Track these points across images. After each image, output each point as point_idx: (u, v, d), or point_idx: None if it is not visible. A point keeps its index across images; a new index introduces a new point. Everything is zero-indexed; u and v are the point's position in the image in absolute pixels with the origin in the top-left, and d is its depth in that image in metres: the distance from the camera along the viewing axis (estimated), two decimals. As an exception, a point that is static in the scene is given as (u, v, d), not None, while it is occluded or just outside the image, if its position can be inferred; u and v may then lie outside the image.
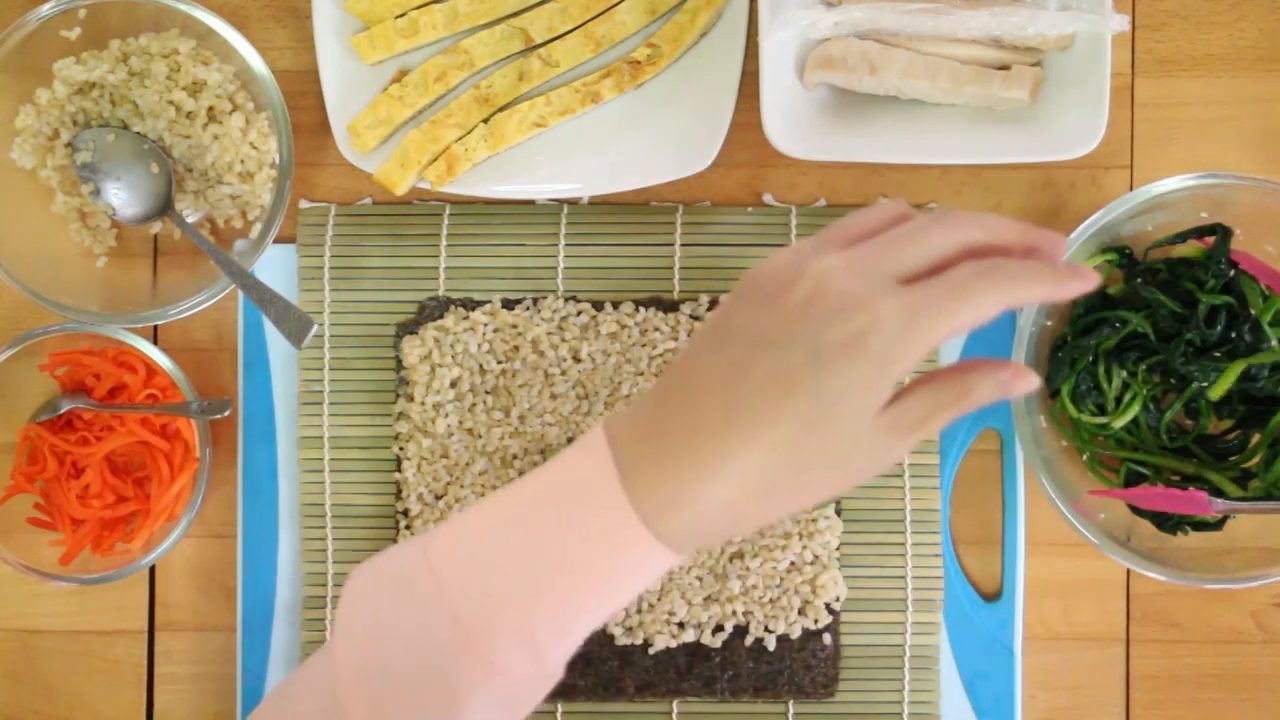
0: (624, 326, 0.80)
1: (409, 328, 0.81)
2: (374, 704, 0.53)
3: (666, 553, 0.51)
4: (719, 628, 0.79)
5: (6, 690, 0.82)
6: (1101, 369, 0.76)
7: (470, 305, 0.81)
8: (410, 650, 0.52)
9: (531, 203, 0.81)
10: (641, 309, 0.81)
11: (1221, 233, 0.74)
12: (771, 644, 0.79)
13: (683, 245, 0.81)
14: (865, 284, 0.48)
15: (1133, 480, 0.76)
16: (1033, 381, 0.51)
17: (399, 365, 0.81)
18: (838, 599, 0.80)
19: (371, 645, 0.53)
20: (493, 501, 0.54)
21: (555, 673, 0.55)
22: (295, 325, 0.76)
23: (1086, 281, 0.51)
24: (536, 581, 0.51)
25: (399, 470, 0.80)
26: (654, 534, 0.50)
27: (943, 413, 0.50)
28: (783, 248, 0.53)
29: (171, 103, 0.77)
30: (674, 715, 0.80)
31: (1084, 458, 0.78)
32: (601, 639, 0.79)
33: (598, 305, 0.81)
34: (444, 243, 0.81)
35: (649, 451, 0.50)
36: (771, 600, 0.79)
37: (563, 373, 0.80)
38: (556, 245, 0.81)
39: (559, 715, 0.80)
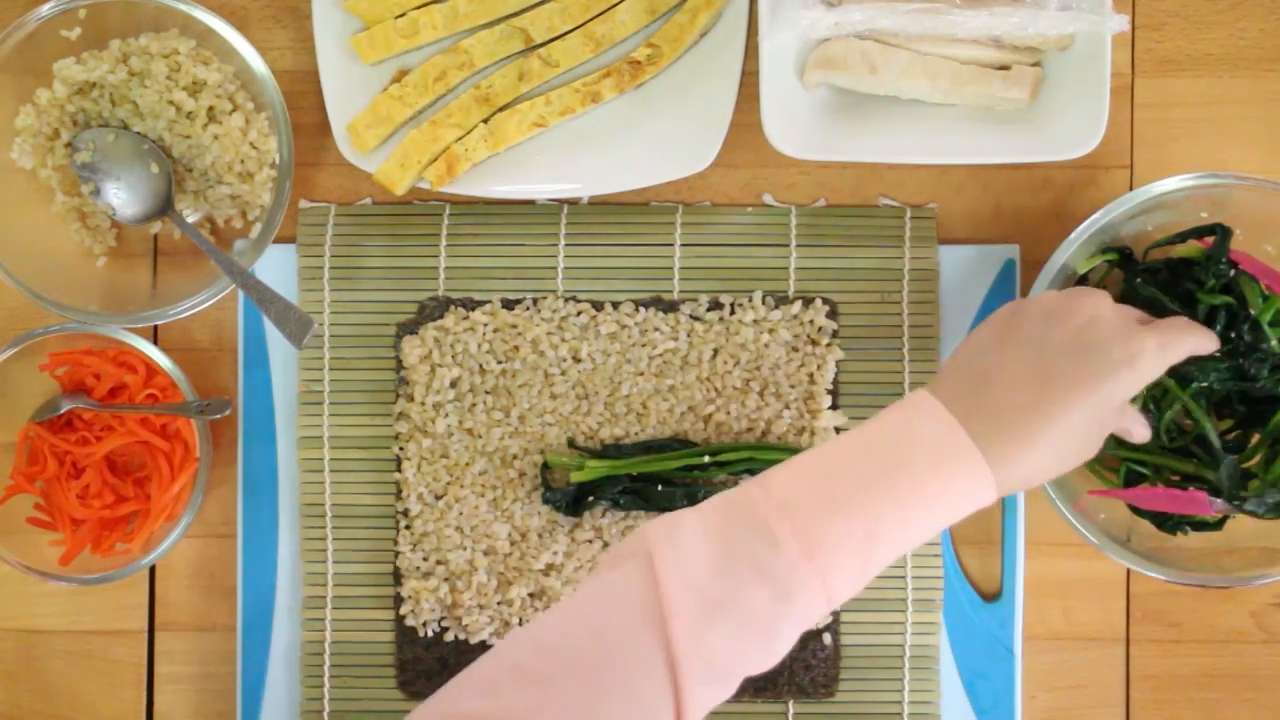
0: (624, 326, 0.80)
1: (409, 328, 0.81)
2: (706, 609, 0.58)
3: (991, 490, 0.63)
4: (719, 628, 0.79)
5: (6, 690, 0.82)
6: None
7: (470, 305, 0.81)
8: (743, 558, 0.60)
9: (531, 203, 0.81)
10: (641, 309, 0.81)
11: (1221, 233, 0.74)
12: None
13: (683, 245, 0.81)
14: (1127, 322, 0.68)
15: (1133, 480, 0.76)
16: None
17: (399, 365, 0.81)
18: (838, 599, 0.80)
19: (701, 560, 0.59)
20: (830, 446, 0.64)
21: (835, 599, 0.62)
22: (295, 325, 0.76)
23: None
24: (882, 492, 0.62)
25: (399, 470, 0.80)
26: (995, 479, 0.63)
27: (1154, 366, 0.67)
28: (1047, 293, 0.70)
29: (171, 103, 0.77)
30: (674, 715, 0.80)
31: (1084, 458, 0.78)
32: (601, 639, 0.79)
33: (598, 305, 0.81)
34: (444, 243, 0.81)
35: (983, 421, 0.64)
36: (771, 600, 0.79)
37: (563, 373, 0.80)
38: (556, 245, 0.81)
39: (559, 715, 0.80)
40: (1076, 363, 0.65)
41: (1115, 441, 0.77)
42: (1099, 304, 0.67)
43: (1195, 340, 0.70)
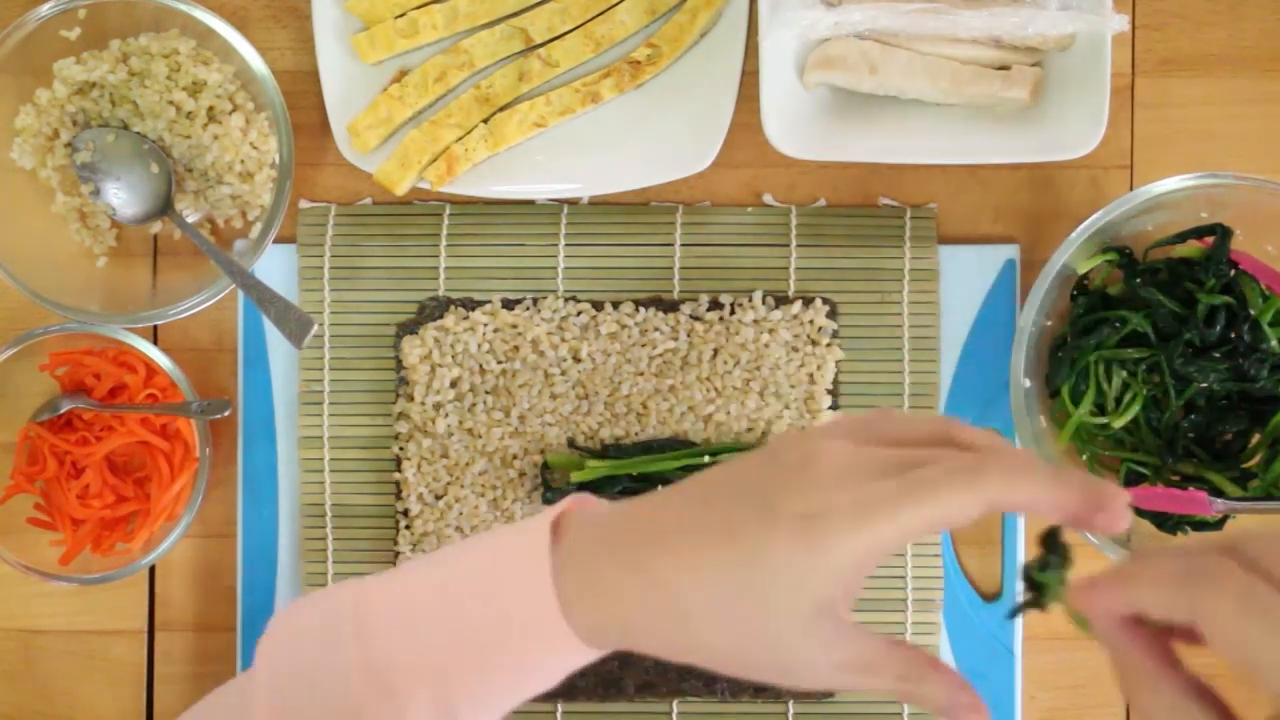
0: (624, 326, 0.80)
1: (409, 328, 0.81)
2: None
3: (583, 648, 0.51)
4: (719, 628, 0.79)
5: (6, 690, 0.82)
6: (1101, 369, 0.76)
7: (470, 305, 0.81)
8: (326, 698, 0.52)
9: (531, 203, 0.81)
10: (641, 309, 0.81)
11: (1221, 233, 0.74)
12: None
13: (683, 245, 0.81)
14: (841, 469, 0.47)
15: (1133, 480, 0.76)
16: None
17: (399, 365, 0.81)
18: (838, 599, 0.80)
19: (290, 687, 0.53)
20: (430, 563, 0.54)
21: None
22: (295, 325, 0.76)
23: (1112, 514, 0.47)
24: (461, 658, 0.51)
25: (399, 470, 0.80)
26: (573, 628, 0.50)
27: (873, 678, 0.49)
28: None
29: (171, 103, 0.77)
30: (674, 715, 0.80)
31: (1084, 458, 0.78)
32: (601, 639, 0.79)
33: (598, 305, 0.81)
34: (444, 243, 0.81)
35: (587, 546, 0.51)
36: (771, 600, 0.79)
37: (563, 373, 0.80)
38: (556, 245, 0.81)
39: (559, 715, 0.80)
40: (738, 502, 0.48)
41: (1115, 441, 0.77)
42: (830, 447, 0.48)
43: (932, 514, 0.46)
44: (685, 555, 0.48)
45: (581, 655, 0.51)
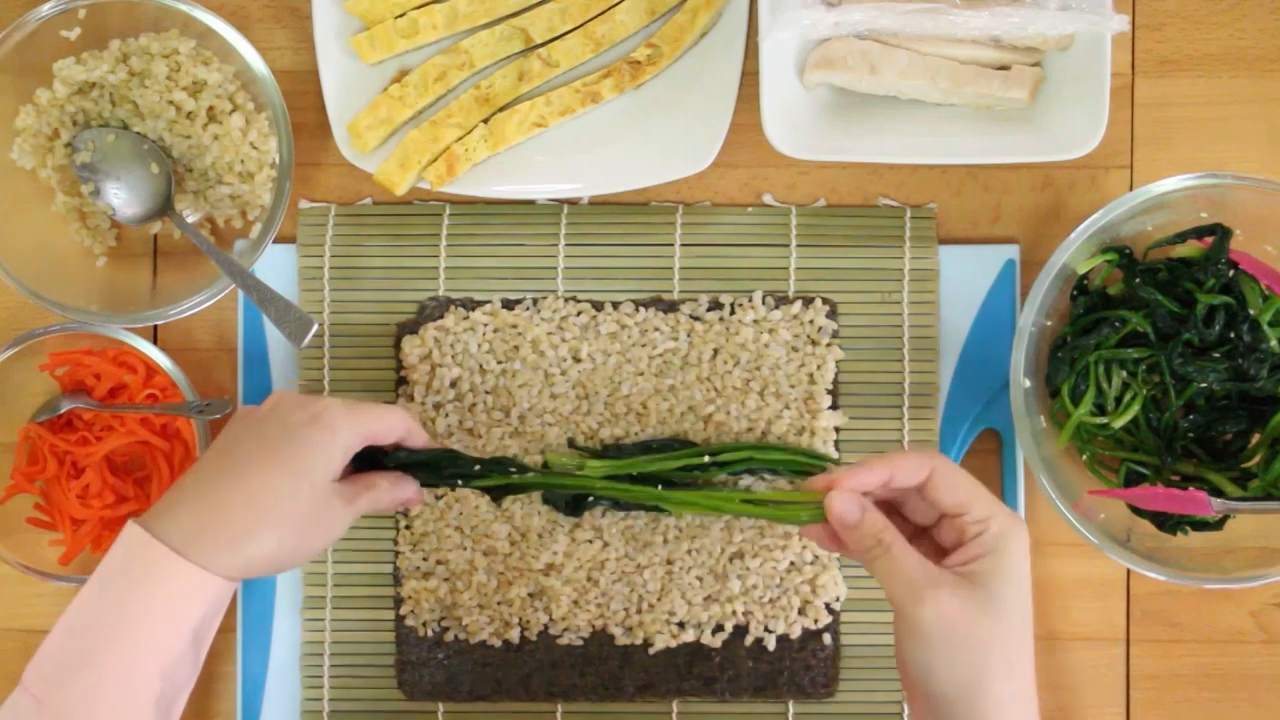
0: (624, 326, 0.80)
1: (409, 328, 0.81)
2: None
3: (212, 578, 0.65)
4: (719, 628, 0.80)
5: (6, 690, 0.81)
6: (1101, 369, 0.76)
7: (470, 305, 0.81)
8: None
9: (531, 203, 0.81)
10: (641, 309, 0.81)
11: (1221, 233, 0.74)
12: (771, 644, 0.79)
13: (683, 245, 0.81)
14: (312, 396, 0.71)
15: (1133, 480, 0.76)
16: (407, 489, 0.73)
17: (399, 365, 0.81)
18: (838, 599, 0.80)
19: None
20: (65, 612, 0.66)
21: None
22: (295, 325, 0.76)
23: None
24: (105, 648, 0.64)
25: (399, 470, 0.80)
26: (195, 563, 0.64)
27: (362, 497, 0.70)
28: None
29: (171, 103, 0.77)
30: (674, 715, 0.80)
31: (1084, 458, 0.78)
32: (601, 639, 0.79)
33: (598, 305, 0.81)
34: (444, 243, 0.81)
35: (168, 509, 0.66)
36: (771, 600, 0.79)
37: (563, 373, 0.80)
38: (556, 245, 0.81)
39: (559, 715, 0.80)
40: (256, 437, 0.67)
41: (1115, 441, 0.77)
42: (278, 394, 0.70)
43: (387, 419, 0.70)
44: (254, 473, 0.66)
45: (220, 585, 0.65)
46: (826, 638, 0.80)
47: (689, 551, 0.79)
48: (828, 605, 0.79)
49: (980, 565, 0.62)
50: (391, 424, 0.70)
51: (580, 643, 0.80)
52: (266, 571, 0.67)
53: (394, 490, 0.71)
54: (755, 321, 0.80)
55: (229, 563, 0.65)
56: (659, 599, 0.79)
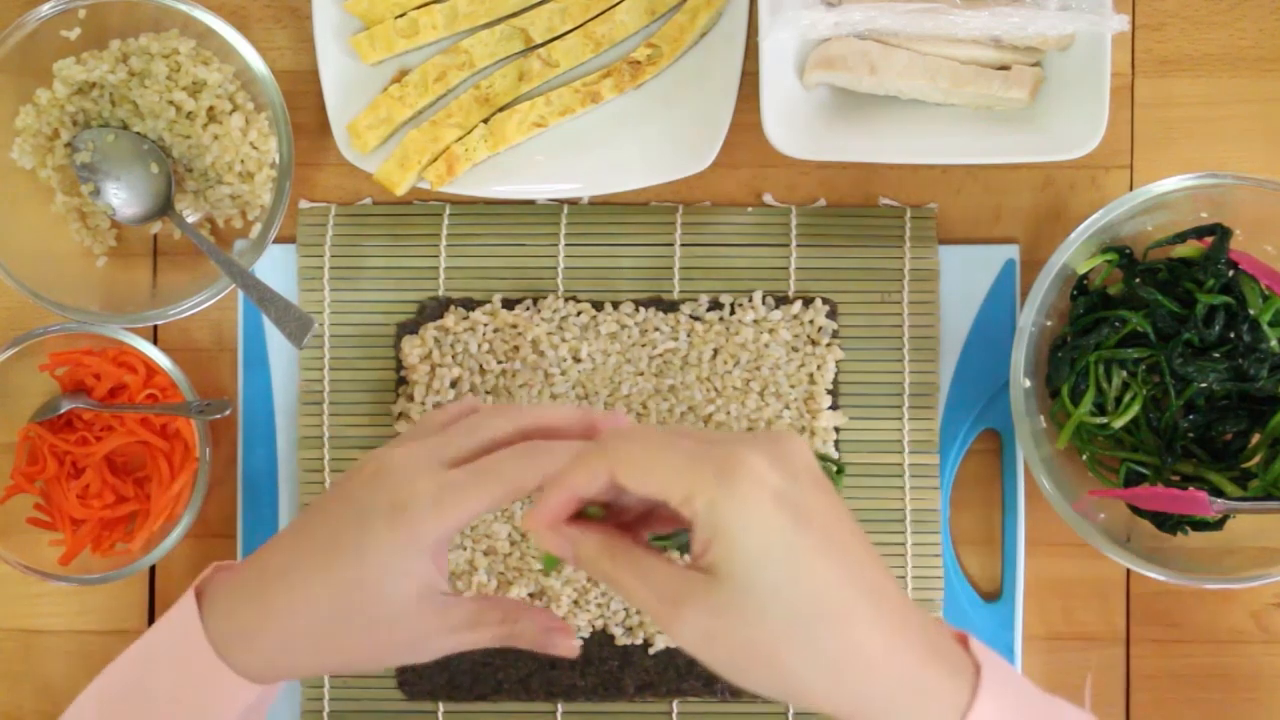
0: (624, 326, 0.80)
1: (409, 328, 0.81)
2: None
3: (247, 683, 0.58)
4: (719, 628, 0.79)
5: (6, 690, 0.82)
6: (1101, 369, 0.76)
7: (470, 305, 0.81)
8: None
9: (531, 203, 0.81)
10: (641, 309, 0.81)
11: (1220, 233, 0.74)
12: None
13: (683, 245, 0.81)
14: (416, 466, 0.56)
15: (1133, 480, 0.76)
16: (571, 646, 0.60)
17: (399, 365, 0.81)
18: (838, 599, 0.80)
19: None
20: (112, 666, 0.61)
21: None
22: (295, 325, 0.76)
23: (590, 472, 0.52)
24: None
25: (399, 470, 0.80)
26: (232, 667, 0.57)
27: (484, 631, 0.58)
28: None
29: (171, 103, 0.77)
30: (674, 715, 0.80)
31: (1084, 458, 0.78)
32: (602, 639, 0.79)
33: (598, 305, 0.81)
34: (444, 243, 0.81)
35: (225, 597, 0.59)
36: (771, 600, 0.79)
37: (563, 373, 0.80)
38: (556, 245, 0.81)
39: (559, 715, 0.80)
40: (331, 518, 0.57)
41: (1115, 441, 0.77)
42: (385, 457, 0.57)
43: (498, 491, 0.55)
44: (298, 580, 0.56)
45: (253, 690, 0.58)
46: (826, 638, 0.80)
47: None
48: (828, 605, 0.79)
49: (710, 556, 0.48)
50: (510, 489, 0.56)
51: (580, 643, 0.80)
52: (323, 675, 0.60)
53: (542, 637, 0.59)
54: (755, 321, 0.80)
55: (274, 674, 0.58)
56: (659, 599, 0.79)
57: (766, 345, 0.80)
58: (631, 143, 0.80)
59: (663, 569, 0.50)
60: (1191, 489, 0.74)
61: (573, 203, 0.82)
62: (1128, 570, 0.80)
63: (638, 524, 0.55)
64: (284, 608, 0.56)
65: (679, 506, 0.49)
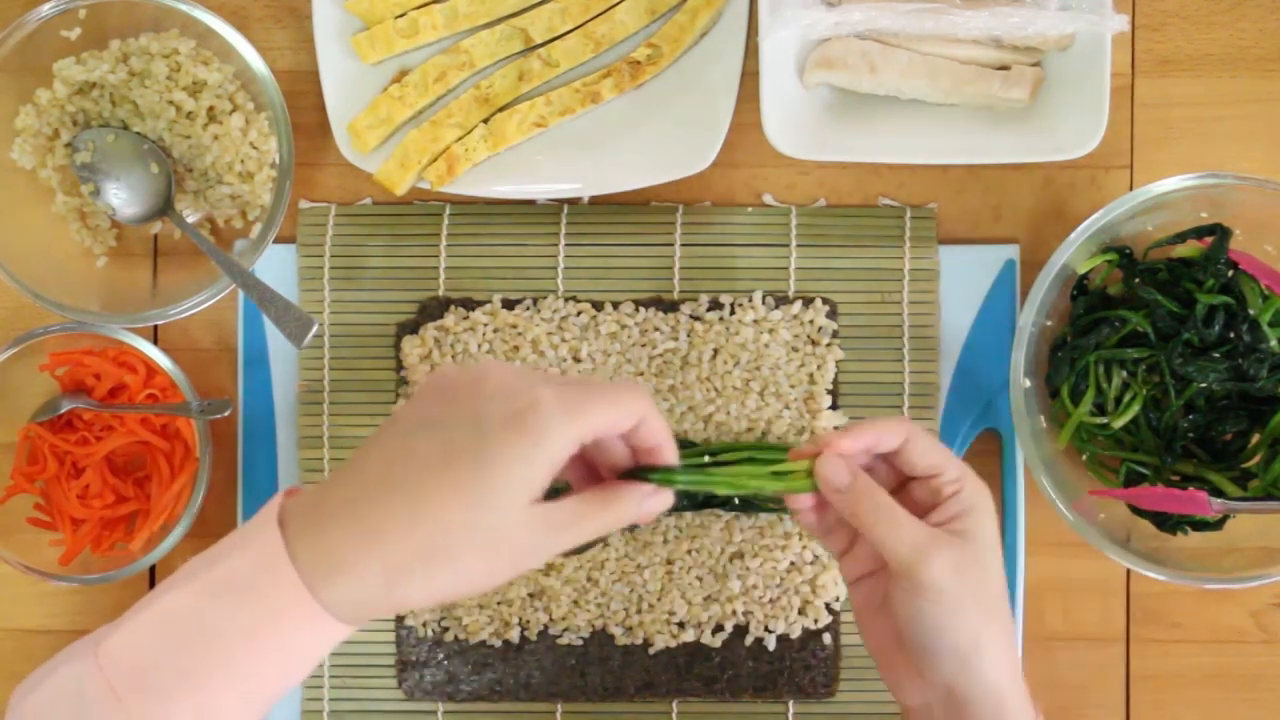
0: (624, 326, 0.80)
1: (409, 328, 0.81)
2: None
3: (334, 623, 0.53)
4: (719, 628, 0.80)
5: (7, 690, 0.81)
6: (1101, 369, 0.76)
7: (470, 305, 0.81)
8: None
9: (531, 203, 0.81)
10: (641, 309, 0.81)
11: (1220, 233, 0.74)
12: (771, 644, 0.79)
13: (683, 245, 0.81)
14: (525, 379, 0.54)
15: (1133, 480, 0.76)
16: (666, 500, 0.59)
17: (399, 365, 0.81)
18: (838, 599, 0.80)
19: None
20: (171, 588, 0.54)
21: None
22: (295, 325, 0.76)
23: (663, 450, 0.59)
24: (211, 669, 0.52)
25: (399, 470, 0.80)
26: (321, 604, 0.52)
27: (589, 521, 0.56)
28: None
29: (171, 103, 0.77)
30: (674, 715, 0.80)
31: (1084, 458, 0.78)
32: (602, 639, 0.79)
33: (598, 305, 0.81)
34: (444, 243, 0.81)
35: (313, 524, 0.53)
36: (771, 600, 0.79)
37: (563, 373, 0.80)
38: (556, 245, 0.81)
39: (559, 715, 0.80)
40: (441, 432, 0.52)
41: (1115, 441, 0.77)
42: (489, 367, 0.54)
43: (616, 414, 0.54)
44: (405, 497, 0.51)
45: (340, 630, 0.53)
46: (826, 638, 0.80)
47: (689, 551, 0.79)
48: (828, 605, 0.79)
49: (963, 524, 0.63)
50: (624, 413, 0.55)
51: (580, 643, 0.80)
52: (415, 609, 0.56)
53: (641, 505, 0.57)
54: (755, 321, 0.80)
55: (373, 606, 0.53)
56: (659, 599, 0.79)
57: (766, 345, 0.80)
58: (631, 143, 0.79)
59: (913, 523, 0.62)
60: (1191, 489, 0.74)
61: (573, 203, 0.82)
62: (1128, 570, 0.80)
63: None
64: (392, 530, 0.51)
65: (947, 482, 0.63)
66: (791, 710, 0.80)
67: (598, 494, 0.57)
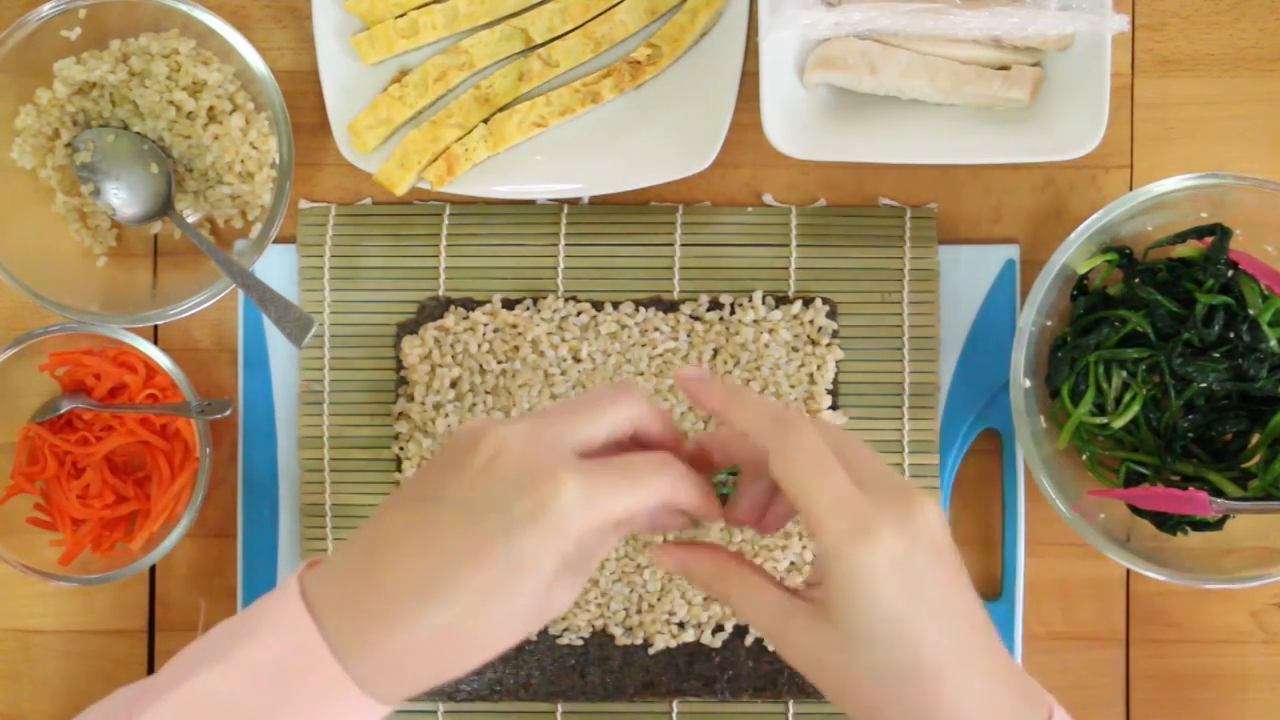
0: (624, 326, 0.80)
1: (409, 328, 0.81)
2: None
3: (379, 708, 0.53)
4: (719, 628, 0.80)
5: (6, 690, 0.82)
6: (1101, 369, 0.76)
7: (470, 305, 0.81)
8: None
9: (531, 203, 0.81)
10: (641, 309, 0.81)
11: (1220, 233, 0.74)
12: (772, 644, 0.79)
13: (683, 245, 0.81)
14: (546, 454, 0.53)
15: (1133, 480, 0.76)
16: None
17: (399, 365, 0.81)
18: (838, 599, 0.80)
19: None
20: (204, 661, 0.54)
21: None
22: (295, 325, 0.76)
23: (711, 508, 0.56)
24: None
25: (399, 470, 0.80)
26: (369, 694, 0.52)
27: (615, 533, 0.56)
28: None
29: (171, 103, 0.77)
30: (674, 715, 0.80)
31: (1084, 458, 0.78)
32: (602, 639, 0.79)
33: (598, 305, 0.81)
34: (444, 243, 0.81)
35: (349, 611, 0.53)
36: (771, 600, 0.79)
37: (563, 373, 0.80)
38: (556, 245, 0.81)
39: (559, 715, 0.80)
40: (471, 522, 0.52)
41: (1115, 441, 0.77)
42: (504, 438, 0.53)
43: (642, 499, 0.53)
44: (437, 594, 0.52)
45: (379, 713, 0.54)
46: (826, 638, 0.80)
47: (689, 551, 0.79)
48: (828, 605, 0.79)
49: (822, 593, 0.53)
50: (649, 493, 0.54)
51: (580, 643, 0.80)
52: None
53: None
54: (755, 321, 0.80)
55: (412, 690, 0.53)
56: (659, 599, 0.79)
57: (766, 345, 0.80)
58: (631, 143, 0.79)
59: (773, 592, 0.54)
60: (1191, 489, 0.74)
61: (573, 203, 0.82)
62: (1128, 570, 0.80)
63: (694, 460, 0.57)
64: (425, 626, 0.52)
65: (812, 527, 0.52)
66: (791, 710, 0.80)
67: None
